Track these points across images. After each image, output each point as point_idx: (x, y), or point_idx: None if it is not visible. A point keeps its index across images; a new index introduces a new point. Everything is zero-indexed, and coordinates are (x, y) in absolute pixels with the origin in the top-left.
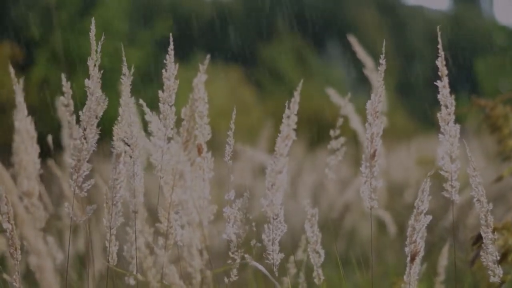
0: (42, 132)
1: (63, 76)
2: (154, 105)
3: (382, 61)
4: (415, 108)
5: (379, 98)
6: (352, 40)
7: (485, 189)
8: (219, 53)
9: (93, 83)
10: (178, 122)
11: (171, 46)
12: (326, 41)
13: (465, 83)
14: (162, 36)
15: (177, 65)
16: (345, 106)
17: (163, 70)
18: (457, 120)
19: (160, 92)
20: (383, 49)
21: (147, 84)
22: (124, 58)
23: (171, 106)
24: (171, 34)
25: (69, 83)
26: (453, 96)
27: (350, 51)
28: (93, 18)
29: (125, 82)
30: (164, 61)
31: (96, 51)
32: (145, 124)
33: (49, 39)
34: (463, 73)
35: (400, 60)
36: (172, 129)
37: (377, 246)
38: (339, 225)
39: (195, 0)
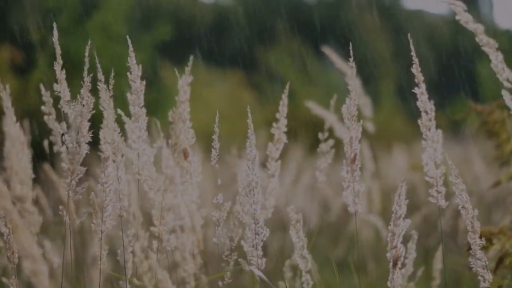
0: (42, 136)
1: (41, 86)
2: (153, 109)
3: (352, 64)
4: (415, 112)
5: (354, 102)
6: (328, 51)
7: (483, 194)
8: (219, 57)
9: (63, 87)
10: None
11: (131, 48)
12: (326, 45)
13: (465, 87)
14: (162, 40)
15: (140, 66)
16: (329, 117)
17: (128, 73)
18: (456, 125)
19: (128, 95)
20: (351, 52)
21: (147, 87)
22: (98, 65)
23: (141, 107)
24: (128, 36)
25: (48, 92)
26: (432, 102)
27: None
28: (54, 23)
29: (102, 88)
30: (127, 64)
31: (94, 54)
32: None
33: (49, 42)
34: (464, 77)
35: (400, 64)
36: (145, 130)
37: (375, 250)
38: (338, 228)
39: (196, 5)
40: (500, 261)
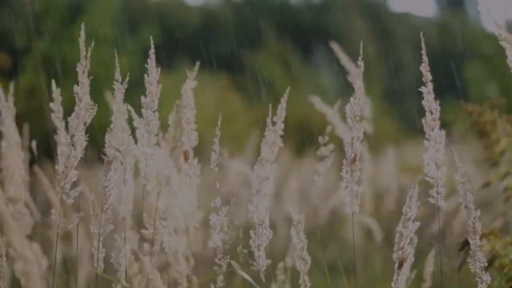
0: (30, 139)
1: (53, 82)
2: (139, 112)
3: (360, 63)
4: (403, 115)
5: (358, 101)
6: (335, 47)
7: (472, 195)
8: (206, 61)
9: (82, 90)
10: (164, 128)
11: (152, 50)
12: (314, 48)
13: (452, 89)
14: (149, 43)
15: (159, 69)
16: (331, 113)
17: (145, 75)
18: (444, 126)
19: (142, 97)
20: (361, 51)
21: (134, 91)
22: (117, 64)
23: (154, 111)
24: (151, 37)
25: (59, 89)
26: (437, 102)
27: (338, 58)
28: (83, 24)
29: (118, 88)
30: (146, 66)
31: (86, 57)
32: (132, 131)
33: (36, 46)
34: (450, 80)
35: (387, 67)
36: (156, 135)
37: (364, 252)
38: (327, 231)
39: (182, 8)
40: (490, 262)
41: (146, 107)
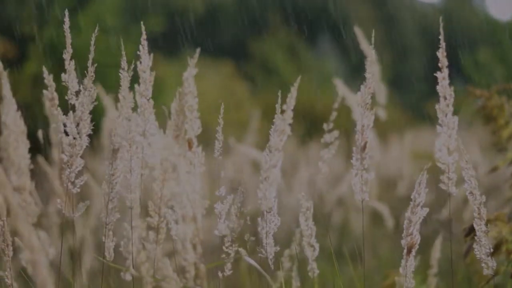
0: (35, 128)
1: (44, 69)
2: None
3: (371, 51)
4: (407, 101)
5: (369, 89)
6: (358, 31)
7: (479, 180)
8: (211, 48)
9: (69, 78)
10: (169, 116)
11: (144, 36)
12: (318, 35)
13: (455, 76)
14: (153, 31)
15: (152, 55)
16: (350, 97)
17: (138, 62)
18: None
19: (136, 86)
20: (373, 39)
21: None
22: (123, 52)
23: (148, 99)
24: (142, 22)
25: (51, 75)
26: (452, 88)
27: (342, 45)
28: (66, 9)
29: (124, 76)
30: (138, 52)
31: (91, 44)
32: None
33: (42, 34)
34: (454, 66)
35: (391, 53)
36: (155, 124)
37: (371, 239)
38: (333, 218)
39: None
40: (496, 248)
41: (140, 95)
